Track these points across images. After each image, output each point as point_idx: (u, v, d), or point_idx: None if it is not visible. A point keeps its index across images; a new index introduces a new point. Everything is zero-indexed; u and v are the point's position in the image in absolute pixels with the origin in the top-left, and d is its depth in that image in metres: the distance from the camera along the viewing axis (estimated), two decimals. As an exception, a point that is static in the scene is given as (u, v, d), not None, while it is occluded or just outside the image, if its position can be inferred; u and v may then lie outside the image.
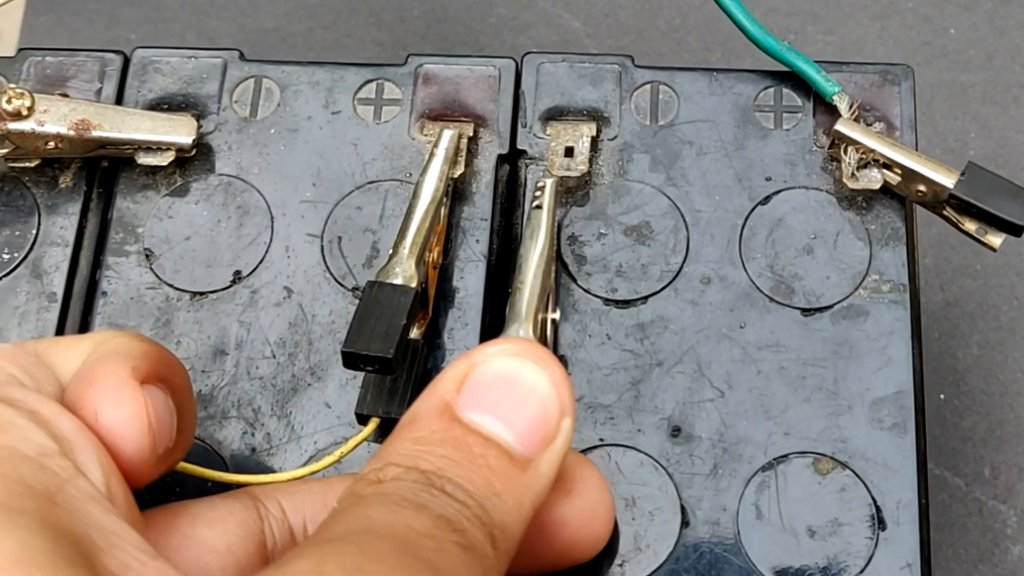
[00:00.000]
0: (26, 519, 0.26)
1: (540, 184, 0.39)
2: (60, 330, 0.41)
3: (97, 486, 0.28)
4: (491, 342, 0.31)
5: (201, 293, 0.41)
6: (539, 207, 0.39)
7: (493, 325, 0.41)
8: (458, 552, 0.27)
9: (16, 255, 0.42)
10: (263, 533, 0.32)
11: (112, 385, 0.30)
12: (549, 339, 0.39)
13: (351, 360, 0.36)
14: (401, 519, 0.27)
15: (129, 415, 0.30)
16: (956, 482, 0.54)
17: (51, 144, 0.41)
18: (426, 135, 0.43)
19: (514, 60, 0.44)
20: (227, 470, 0.38)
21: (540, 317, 0.36)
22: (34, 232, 0.42)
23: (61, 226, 0.42)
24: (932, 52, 0.62)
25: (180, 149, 0.42)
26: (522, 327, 0.36)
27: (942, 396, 0.55)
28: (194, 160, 0.43)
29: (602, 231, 0.41)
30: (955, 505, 0.54)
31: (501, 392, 0.30)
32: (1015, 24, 0.62)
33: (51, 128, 0.41)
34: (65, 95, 0.43)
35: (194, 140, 0.42)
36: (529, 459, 0.30)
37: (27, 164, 0.42)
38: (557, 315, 0.40)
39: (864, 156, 0.41)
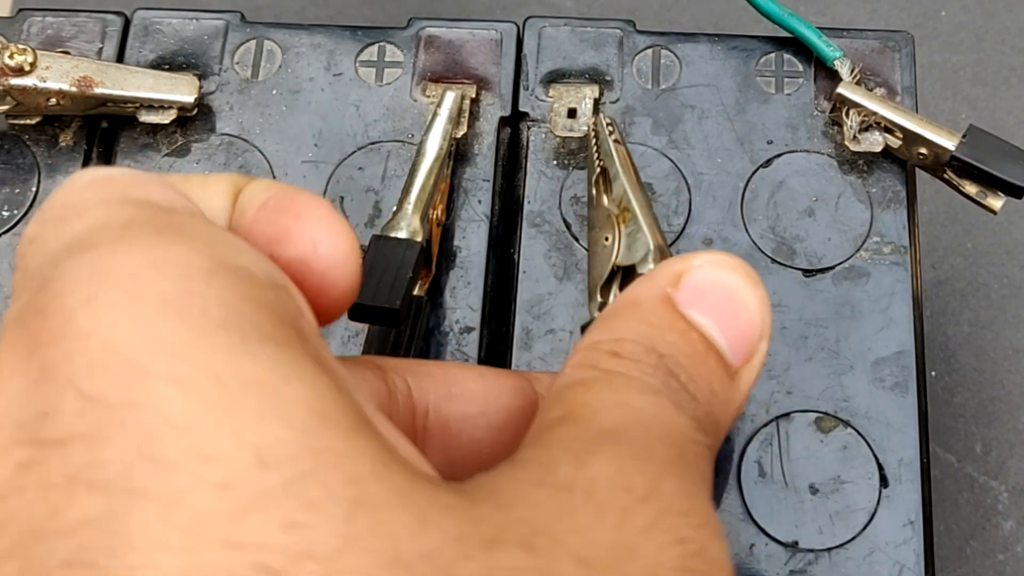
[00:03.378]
0: (302, 358, 0.23)
1: (606, 122, 0.39)
2: (60, 287, 0.41)
3: (313, 325, 0.26)
4: (702, 252, 0.30)
5: (203, 250, 0.41)
6: (618, 141, 0.38)
7: (496, 285, 0.41)
8: (708, 457, 0.27)
9: (16, 212, 0.42)
10: (389, 407, 0.30)
11: (326, 215, 0.28)
12: None
13: (357, 312, 0.36)
14: (667, 417, 0.26)
15: (349, 246, 0.28)
16: (948, 458, 0.54)
17: (52, 101, 0.41)
18: (428, 97, 0.43)
19: (516, 24, 0.44)
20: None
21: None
22: (34, 190, 0.42)
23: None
24: (923, 34, 0.62)
25: (182, 108, 0.42)
26: (658, 254, 0.35)
27: (933, 373, 0.55)
28: (195, 120, 0.43)
29: (605, 192, 0.41)
30: (947, 481, 0.54)
31: (718, 299, 0.29)
32: (1005, 6, 0.62)
33: (53, 84, 0.41)
34: (66, 53, 0.43)
35: (196, 99, 0.42)
36: (736, 369, 0.29)
37: (27, 121, 0.42)
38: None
39: (866, 119, 0.42)
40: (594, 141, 0.38)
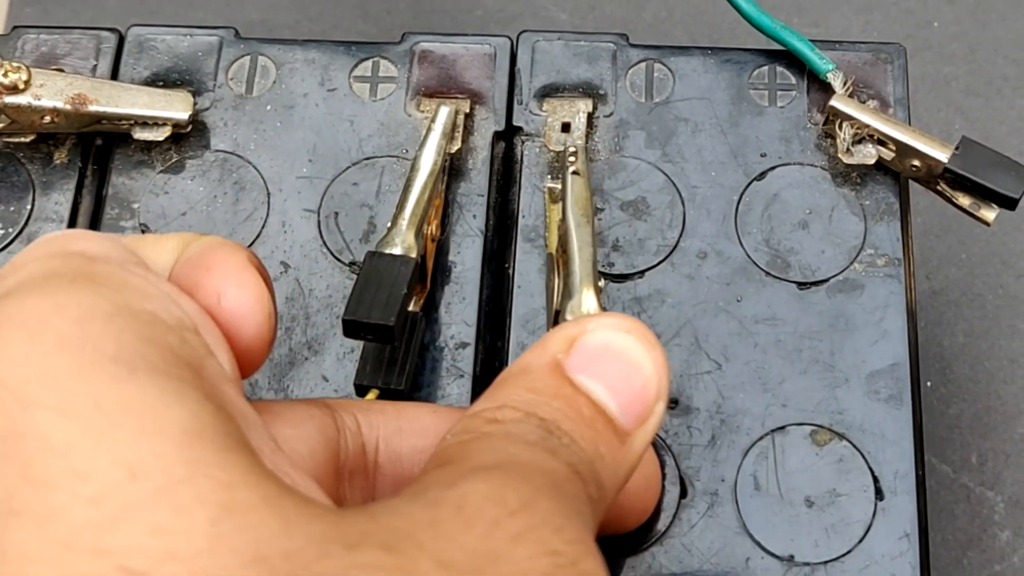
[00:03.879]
0: (188, 388, 0.25)
1: (572, 150, 0.40)
2: (55, 304, 0.41)
3: (225, 368, 0.28)
4: (599, 314, 0.31)
5: (198, 267, 0.41)
6: (576, 173, 0.39)
7: (491, 299, 0.41)
8: (588, 503, 0.27)
9: (11, 230, 0.42)
10: (338, 444, 0.32)
11: (234, 268, 0.30)
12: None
13: (352, 329, 0.36)
14: (542, 460, 0.27)
15: (254, 297, 0.30)
16: (944, 469, 0.54)
17: (47, 119, 0.41)
18: (422, 112, 0.43)
19: (509, 38, 0.45)
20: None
21: (597, 285, 0.37)
22: (29, 208, 0.42)
23: (56, 202, 0.42)
24: (916, 45, 0.62)
25: (176, 124, 0.42)
26: (591, 297, 0.35)
27: (929, 384, 0.55)
28: (190, 136, 0.43)
29: (599, 206, 0.42)
30: (943, 492, 0.54)
31: (609, 363, 0.30)
32: (997, 17, 0.63)
33: (47, 102, 0.41)
34: (60, 71, 0.43)
35: (190, 115, 0.42)
36: (627, 432, 0.30)
37: (22, 139, 0.42)
38: (602, 283, 0.40)
39: (859, 132, 0.42)
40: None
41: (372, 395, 0.37)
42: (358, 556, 0.23)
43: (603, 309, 0.36)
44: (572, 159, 0.40)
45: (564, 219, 0.38)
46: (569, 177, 0.39)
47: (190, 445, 0.24)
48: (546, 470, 0.27)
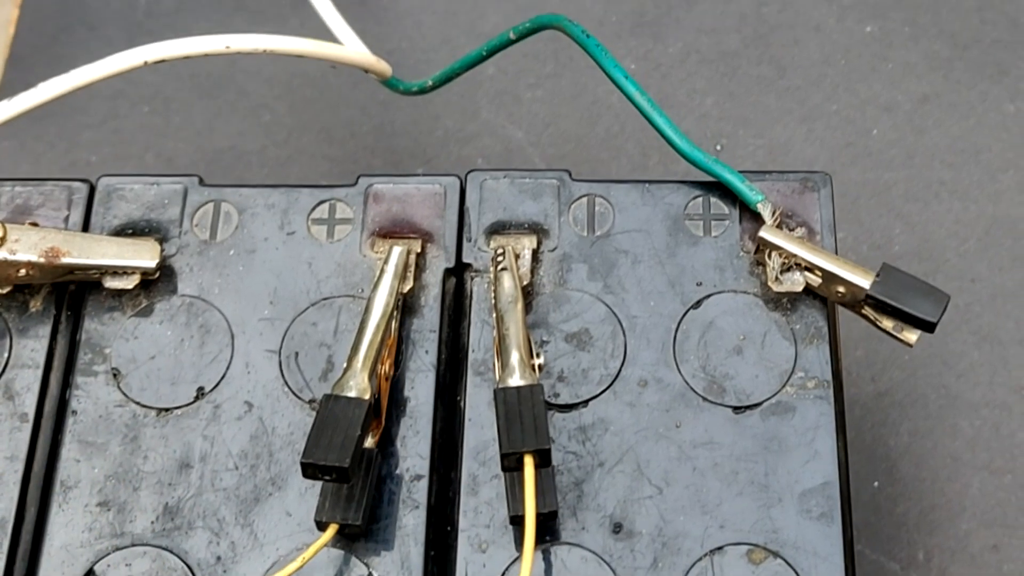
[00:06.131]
0: None
1: (500, 251, 0.45)
2: (32, 449, 0.43)
3: None
4: None
5: (167, 409, 0.43)
6: (504, 269, 0.44)
7: (444, 432, 0.43)
8: None
9: (-11, 378, 0.44)
10: None
11: None
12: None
13: (310, 470, 0.38)
14: None
15: None
16: (892, 566, 0.57)
17: (23, 271, 0.44)
18: (377, 252, 0.46)
19: (458, 177, 0.47)
20: (195, 578, 0.41)
21: (532, 363, 0.42)
22: (6, 355, 0.44)
23: (32, 349, 0.44)
24: (856, 152, 0.65)
25: (145, 272, 0.45)
26: (526, 372, 0.41)
27: (876, 484, 0.57)
28: (158, 282, 0.45)
29: (544, 339, 0.44)
30: (893, 587, 0.56)
31: None
32: (933, 124, 0.65)
33: (23, 256, 0.44)
34: (35, 224, 0.46)
35: (158, 264, 0.45)
36: None
37: (-1, 291, 0.45)
38: (541, 360, 0.43)
39: (787, 260, 0.44)
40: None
41: (332, 530, 0.40)
42: None
43: (539, 383, 0.41)
44: (500, 259, 0.44)
45: (496, 306, 0.43)
46: (498, 273, 0.44)
47: None
48: None
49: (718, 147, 0.65)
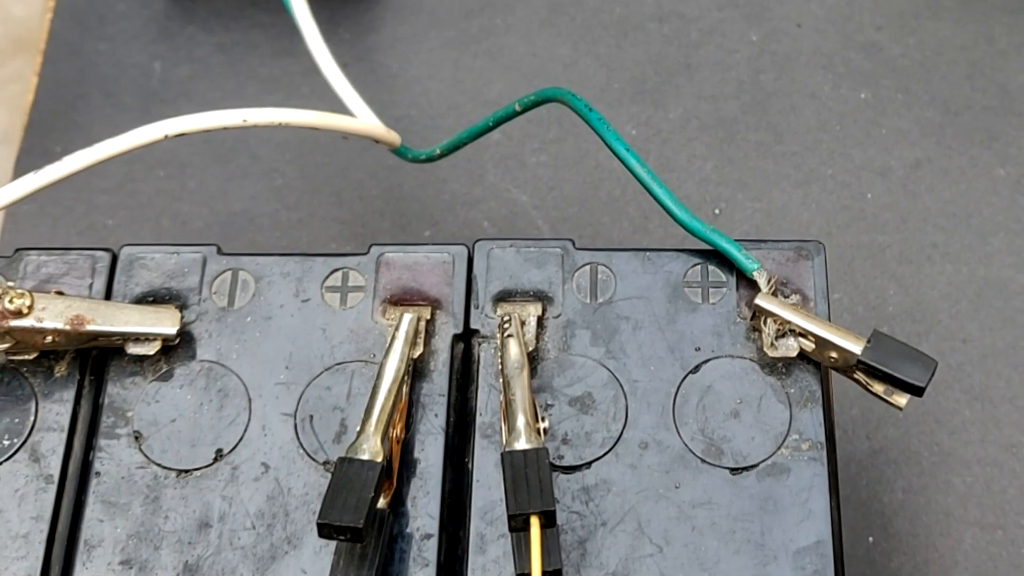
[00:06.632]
0: None
1: (506, 318, 0.47)
2: (57, 509, 0.45)
3: None
4: None
5: (186, 471, 0.45)
6: (511, 335, 0.46)
7: (452, 492, 0.45)
8: None
9: (15, 441, 0.46)
10: None
11: None
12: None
13: (325, 530, 0.40)
14: None
15: None
16: (889, 618, 0.58)
17: (49, 338, 0.46)
18: (388, 319, 0.48)
19: (466, 246, 0.49)
20: (214, 634, 0.42)
21: (537, 427, 0.44)
22: (32, 419, 0.46)
23: (57, 412, 0.46)
24: (851, 216, 0.67)
25: (165, 339, 0.47)
26: (532, 435, 0.43)
27: (871, 539, 0.59)
28: (178, 348, 0.47)
29: (549, 402, 0.46)
30: (888, 641, 0.58)
31: None
32: (926, 188, 0.67)
33: (49, 324, 0.45)
34: (60, 292, 0.48)
35: (178, 330, 0.47)
36: None
37: (26, 357, 0.47)
38: (546, 423, 0.45)
39: (782, 327, 0.46)
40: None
41: (346, 588, 0.41)
42: None
43: (544, 446, 0.43)
44: (506, 325, 0.46)
45: (503, 372, 0.45)
46: (504, 340, 0.46)
47: None
48: None
49: (717, 211, 0.67)
